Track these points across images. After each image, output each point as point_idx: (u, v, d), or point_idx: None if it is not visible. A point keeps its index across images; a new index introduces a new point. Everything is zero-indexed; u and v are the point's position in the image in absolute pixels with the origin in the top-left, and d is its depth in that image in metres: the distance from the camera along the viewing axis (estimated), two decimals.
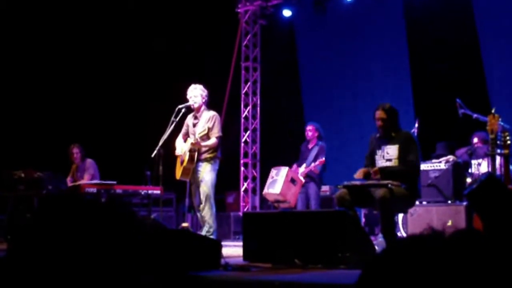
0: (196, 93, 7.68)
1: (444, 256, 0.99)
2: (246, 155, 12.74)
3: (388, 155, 6.23)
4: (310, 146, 9.73)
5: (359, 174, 6.25)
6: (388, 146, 6.25)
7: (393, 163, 6.19)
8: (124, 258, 1.44)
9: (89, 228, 1.42)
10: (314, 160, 9.47)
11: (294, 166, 9.66)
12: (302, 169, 9.57)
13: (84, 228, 1.42)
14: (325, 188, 10.46)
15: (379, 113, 6.26)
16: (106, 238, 1.41)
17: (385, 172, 6.05)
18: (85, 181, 9.54)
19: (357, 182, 6.30)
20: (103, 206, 1.48)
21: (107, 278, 1.38)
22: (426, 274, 0.98)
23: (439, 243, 1.02)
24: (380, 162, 6.29)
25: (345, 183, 6.21)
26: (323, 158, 9.35)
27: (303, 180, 9.48)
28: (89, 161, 9.95)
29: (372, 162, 6.39)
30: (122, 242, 1.45)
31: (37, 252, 1.40)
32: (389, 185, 5.89)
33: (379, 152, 6.32)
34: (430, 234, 1.04)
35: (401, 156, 6.15)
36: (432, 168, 8.42)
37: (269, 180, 9.47)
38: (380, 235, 7.34)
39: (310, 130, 9.75)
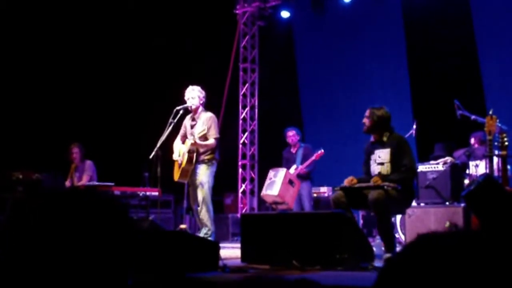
0: (193, 95, 7.68)
1: (463, 255, 0.99)
2: (244, 156, 12.75)
3: (380, 158, 6.26)
4: (293, 150, 9.86)
5: (347, 181, 6.29)
6: (380, 150, 6.28)
7: (385, 166, 6.21)
8: (114, 257, 1.44)
9: (75, 226, 1.41)
10: (303, 160, 9.57)
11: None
12: (292, 171, 9.62)
13: (70, 227, 1.41)
14: (323, 190, 10.49)
15: (366, 112, 6.38)
16: (94, 236, 1.41)
17: (386, 180, 6.04)
18: (83, 182, 9.54)
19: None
20: (92, 202, 1.47)
21: (96, 278, 1.38)
22: (444, 274, 0.98)
23: (458, 241, 1.02)
24: (373, 166, 6.32)
25: (342, 185, 6.24)
26: (321, 150, 9.44)
27: None
28: (88, 162, 9.94)
29: (368, 168, 6.42)
30: (111, 240, 1.44)
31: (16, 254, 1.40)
32: (385, 187, 5.92)
33: (372, 157, 6.36)
34: (447, 233, 1.04)
35: (394, 160, 6.17)
36: (430, 169, 8.42)
37: (267, 182, 9.48)
38: (378, 236, 7.35)
39: (293, 136, 9.93)
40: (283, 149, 10.25)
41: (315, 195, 10.35)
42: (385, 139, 6.29)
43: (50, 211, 1.43)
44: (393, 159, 6.18)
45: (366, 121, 6.37)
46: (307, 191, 9.69)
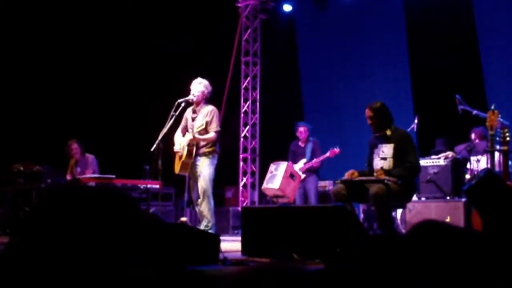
0: (198, 88, 7.67)
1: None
2: (245, 150, 12.74)
3: (383, 153, 6.26)
4: (302, 144, 9.95)
5: (347, 175, 6.32)
6: (384, 145, 6.29)
7: (388, 161, 6.21)
8: (124, 250, 1.45)
9: (89, 221, 1.43)
10: (312, 155, 9.67)
11: (290, 163, 9.75)
12: (301, 164, 9.68)
13: (85, 221, 1.42)
14: (324, 183, 10.51)
15: (366, 112, 6.38)
16: (105, 230, 1.42)
17: (389, 174, 6.06)
18: (85, 176, 9.53)
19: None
20: (104, 199, 1.49)
21: (105, 269, 1.39)
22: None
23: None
24: (376, 161, 6.33)
25: (342, 178, 6.25)
26: (338, 149, 9.56)
27: (303, 175, 9.57)
28: (91, 157, 9.93)
29: (371, 162, 6.43)
30: (121, 234, 1.46)
31: (38, 244, 1.41)
32: (386, 181, 5.93)
33: (376, 151, 6.37)
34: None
35: (397, 155, 6.17)
36: (431, 164, 8.43)
37: (268, 175, 9.49)
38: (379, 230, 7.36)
39: (304, 131, 10.07)
40: (289, 142, 10.31)
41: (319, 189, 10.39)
42: (389, 133, 6.29)
43: (57, 206, 1.44)
44: (396, 155, 6.18)
45: (370, 121, 6.37)
46: (314, 185, 9.79)
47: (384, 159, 6.24)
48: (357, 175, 6.26)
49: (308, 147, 9.91)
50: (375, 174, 6.11)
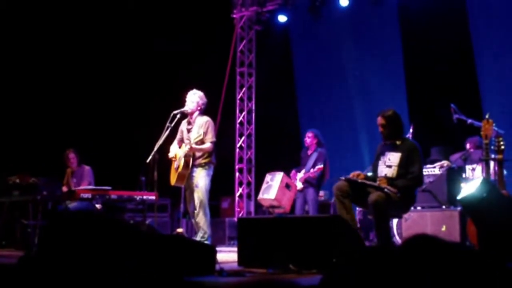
0: (193, 99, 7.69)
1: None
2: (241, 160, 12.74)
3: (390, 161, 6.29)
4: (309, 152, 9.79)
5: (353, 174, 6.33)
6: (391, 153, 6.32)
7: (392, 169, 6.23)
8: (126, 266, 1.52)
9: (98, 243, 1.51)
10: (313, 166, 9.52)
11: (293, 171, 9.72)
12: (301, 174, 9.62)
13: (94, 243, 1.51)
14: (321, 193, 10.49)
15: (379, 120, 6.39)
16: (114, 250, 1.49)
17: (391, 185, 6.07)
18: (81, 188, 9.51)
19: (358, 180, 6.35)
20: (110, 222, 1.59)
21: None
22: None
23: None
24: (381, 168, 6.36)
25: (347, 176, 6.27)
26: (321, 165, 9.37)
27: (302, 186, 9.52)
28: (87, 168, 9.90)
29: (376, 168, 6.46)
30: (126, 251, 1.53)
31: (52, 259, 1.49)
32: (386, 190, 5.94)
33: (382, 158, 6.40)
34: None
35: (402, 165, 6.20)
36: (427, 173, 8.43)
37: (264, 186, 9.49)
38: (375, 240, 7.37)
39: (308, 137, 9.82)
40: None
41: None
42: (398, 143, 6.33)
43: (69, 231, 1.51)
44: (401, 164, 6.21)
45: (381, 129, 6.38)
46: (312, 197, 9.63)
47: (390, 166, 6.27)
48: (363, 177, 6.27)
49: (312, 156, 9.70)
50: (377, 181, 6.13)
